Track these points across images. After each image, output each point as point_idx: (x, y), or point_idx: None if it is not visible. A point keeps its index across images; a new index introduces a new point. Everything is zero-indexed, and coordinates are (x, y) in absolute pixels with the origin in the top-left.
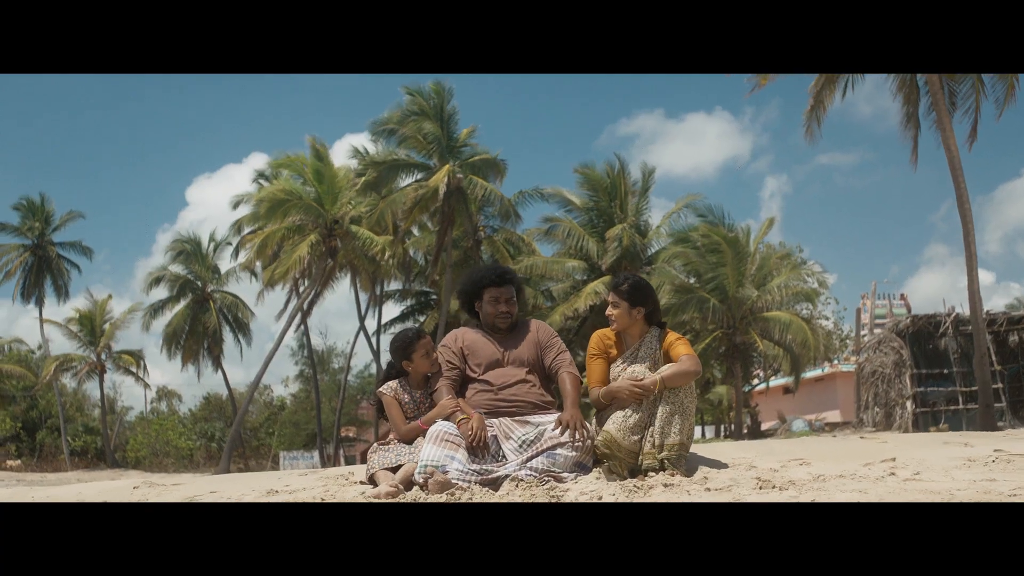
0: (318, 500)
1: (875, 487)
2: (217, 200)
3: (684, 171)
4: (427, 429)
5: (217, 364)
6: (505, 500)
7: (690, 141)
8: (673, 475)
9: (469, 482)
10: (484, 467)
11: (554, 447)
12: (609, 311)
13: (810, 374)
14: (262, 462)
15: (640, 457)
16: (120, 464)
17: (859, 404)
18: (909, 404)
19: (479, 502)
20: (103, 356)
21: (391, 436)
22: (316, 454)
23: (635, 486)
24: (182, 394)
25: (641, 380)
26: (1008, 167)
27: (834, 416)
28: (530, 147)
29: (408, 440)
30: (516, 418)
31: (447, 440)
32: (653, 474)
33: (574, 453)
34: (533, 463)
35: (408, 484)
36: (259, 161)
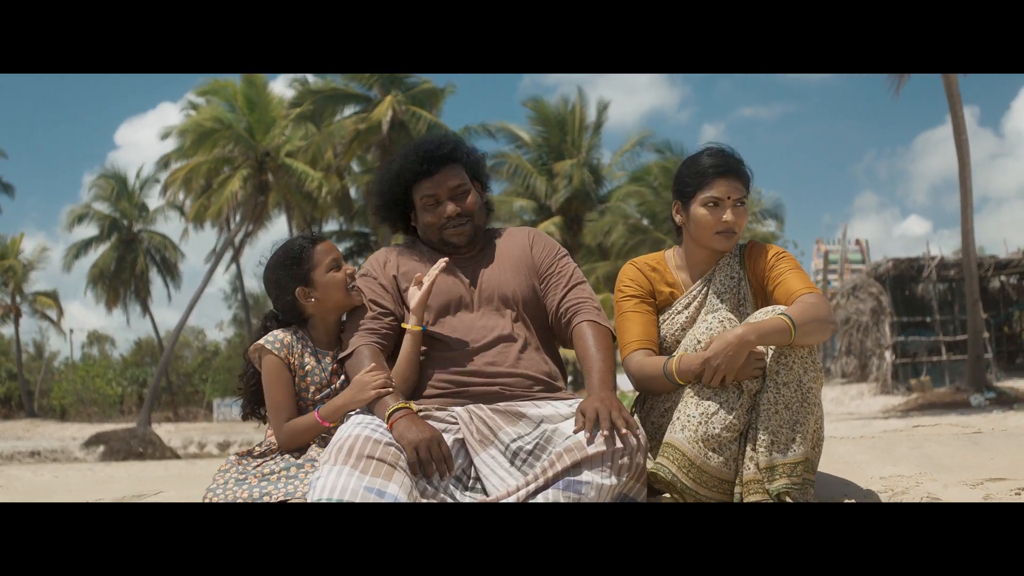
0: None
1: None
2: (149, 141)
3: (609, 121)
4: (331, 429)
5: (145, 308)
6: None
7: (617, 89)
8: None
9: None
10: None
11: (577, 466)
12: (728, 218)
13: None
14: (194, 409)
15: (738, 489)
16: (41, 414)
17: (825, 353)
18: (888, 354)
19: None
20: (18, 299)
21: (266, 439)
22: None
23: None
24: (115, 338)
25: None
26: (925, 116)
27: None
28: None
29: (294, 448)
30: (501, 407)
31: (367, 456)
32: None
33: (614, 480)
34: (539, 500)
35: None
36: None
